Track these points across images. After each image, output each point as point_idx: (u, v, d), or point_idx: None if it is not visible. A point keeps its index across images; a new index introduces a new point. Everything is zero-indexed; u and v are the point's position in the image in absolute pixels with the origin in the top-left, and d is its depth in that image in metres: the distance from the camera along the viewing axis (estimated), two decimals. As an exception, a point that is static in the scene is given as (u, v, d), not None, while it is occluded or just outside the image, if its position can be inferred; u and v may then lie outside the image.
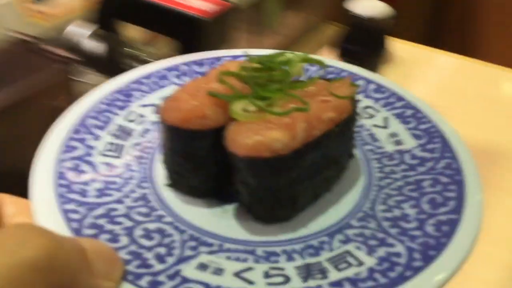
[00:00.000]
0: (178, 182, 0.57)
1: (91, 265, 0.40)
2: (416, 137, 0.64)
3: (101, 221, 0.51)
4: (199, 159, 0.54)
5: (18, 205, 0.51)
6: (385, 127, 0.66)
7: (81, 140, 0.61)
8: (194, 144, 0.54)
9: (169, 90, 0.71)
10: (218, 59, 0.77)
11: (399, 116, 0.67)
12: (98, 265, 0.41)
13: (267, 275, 0.47)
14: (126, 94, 0.69)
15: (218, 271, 0.47)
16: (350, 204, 0.55)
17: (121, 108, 0.67)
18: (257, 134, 0.49)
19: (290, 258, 0.49)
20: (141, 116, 0.67)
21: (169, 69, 0.74)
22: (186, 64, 0.76)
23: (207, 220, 0.53)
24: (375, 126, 0.67)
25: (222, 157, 0.52)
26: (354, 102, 0.57)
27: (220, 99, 0.53)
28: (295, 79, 0.59)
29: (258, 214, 0.53)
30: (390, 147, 0.63)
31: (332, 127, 0.53)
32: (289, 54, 0.58)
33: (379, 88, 0.72)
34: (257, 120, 0.50)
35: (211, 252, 0.49)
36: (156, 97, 0.70)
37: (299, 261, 0.49)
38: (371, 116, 0.68)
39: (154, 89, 0.71)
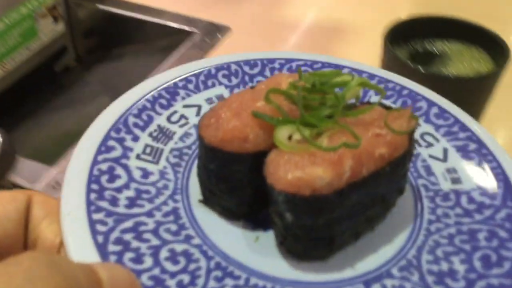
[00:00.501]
0: (211, 200, 0.54)
1: None
2: (477, 177, 0.58)
3: (128, 237, 0.49)
4: (235, 182, 0.51)
5: (47, 206, 0.50)
6: (443, 160, 0.60)
7: (120, 140, 0.59)
8: (231, 166, 0.50)
9: (216, 91, 0.68)
10: (271, 61, 0.72)
11: (460, 149, 0.61)
12: None
13: None
14: (171, 92, 0.66)
15: None
16: (394, 248, 0.51)
17: (164, 107, 0.64)
18: (298, 168, 0.45)
19: None
20: (184, 117, 0.64)
21: (218, 68, 0.71)
22: (237, 63, 0.72)
23: (237, 247, 0.50)
24: (432, 157, 0.61)
25: (260, 181, 0.49)
26: (411, 137, 0.52)
27: (265, 121, 0.49)
28: (350, 103, 0.54)
29: (291, 249, 0.50)
30: (446, 185, 0.58)
31: (383, 165, 0.48)
32: (347, 76, 0.53)
33: (442, 113, 0.65)
34: (300, 151, 0.46)
35: (236, 286, 0.47)
36: (201, 98, 0.67)
37: None
38: (429, 145, 0.62)
39: (201, 89, 0.68)
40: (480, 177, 0.57)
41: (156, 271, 0.46)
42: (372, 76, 0.70)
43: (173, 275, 0.46)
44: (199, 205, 0.54)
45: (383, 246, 0.51)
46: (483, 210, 0.54)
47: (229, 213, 0.53)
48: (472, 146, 0.61)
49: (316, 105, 0.50)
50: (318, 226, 0.48)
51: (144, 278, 0.46)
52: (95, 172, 0.54)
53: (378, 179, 0.49)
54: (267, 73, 0.71)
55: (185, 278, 0.46)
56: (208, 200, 0.54)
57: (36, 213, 0.49)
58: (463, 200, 0.56)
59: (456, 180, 0.58)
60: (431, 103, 0.67)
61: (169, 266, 0.47)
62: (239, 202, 0.52)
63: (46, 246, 0.48)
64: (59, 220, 0.49)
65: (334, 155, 0.46)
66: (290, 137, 0.48)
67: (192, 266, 0.48)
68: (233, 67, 0.71)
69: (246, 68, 0.71)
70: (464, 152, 0.61)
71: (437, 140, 0.63)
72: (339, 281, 0.48)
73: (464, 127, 0.63)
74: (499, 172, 0.57)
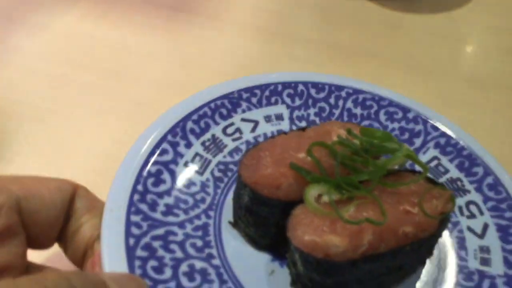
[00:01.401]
0: (239, 225, 0.57)
1: None
2: (508, 263, 0.57)
3: (156, 244, 0.54)
4: (262, 219, 0.54)
5: (90, 200, 0.55)
6: (480, 236, 0.60)
7: (174, 145, 0.63)
8: (261, 206, 0.53)
9: (276, 109, 0.70)
10: (338, 88, 0.73)
11: (502, 229, 0.60)
12: None
13: None
14: (233, 103, 0.69)
15: None
16: None
17: (224, 117, 0.67)
18: (316, 232, 0.47)
19: None
20: (239, 131, 0.67)
21: (285, 85, 0.72)
22: (304, 84, 0.73)
23: (252, 277, 0.54)
24: (470, 230, 0.60)
25: (285, 221, 0.51)
26: (444, 220, 0.52)
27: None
28: (392, 170, 0.54)
29: (300, 294, 0.52)
30: (473, 264, 0.57)
31: (405, 243, 0.49)
32: (396, 144, 0.53)
33: (496, 185, 0.64)
34: (324, 215, 0.48)
35: None
36: (261, 114, 0.69)
37: None
38: (472, 217, 0.61)
39: (263, 104, 0.70)
40: (511, 265, 0.56)
41: (172, 285, 0.51)
42: (435, 128, 0.69)
43: None
44: (228, 226, 0.58)
45: None
46: None
47: (253, 242, 0.56)
48: None
49: (357, 166, 0.51)
50: (326, 284, 0.50)
51: None
52: (144, 173, 0.59)
53: (397, 255, 0.50)
54: (332, 100, 0.72)
55: None
56: (237, 224, 0.57)
57: (79, 206, 0.54)
58: (485, 285, 0.55)
59: (485, 262, 0.57)
60: (488, 171, 0.65)
61: (185, 282, 0.52)
62: (262, 235, 0.55)
63: (85, 237, 0.53)
64: (101, 214, 0.54)
65: (355, 227, 0.47)
66: (321, 196, 0.50)
67: (205, 286, 0.52)
68: (300, 87, 0.72)
69: (312, 91, 0.72)
70: (504, 234, 0.59)
71: (481, 213, 0.61)
72: None
73: None
74: None
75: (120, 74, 0.90)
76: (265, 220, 0.53)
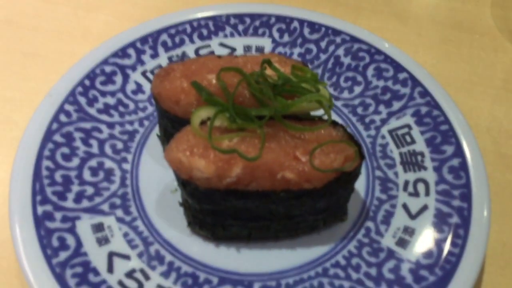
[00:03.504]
0: (160, 136, 0.58)
1: None
2: (427, 252, 0.50)
3: (77, 135, 0.56)
4: (168, 132, 0.54)
5: None
6: (413, 217, 0.53)
7: (140, 52, 0.64)
8: (163, 118, 0.53)
9: (261, 41, 0.67)
10: (336, 32, 0.67)
11: (440, 216, 0.53)
12: None
13: None
14: (217, 26, 0.67)
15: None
16: (291, 261, 0.51)
17: (202, 38, 0.66)
18: (185, 152, 0.45)
19: None
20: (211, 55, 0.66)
21: (279, 18, 0.68)
22: (299, 22, 0.68)
23: (153, 189, 0.55)
24: (404, 207, 0.54)
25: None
26: (342, 180, 0.47)
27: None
28: (302, 115, 0.50)
29: (188, 217, 0.52)
30: (388, 241, 0.52)
31: (281, 188, 0.46)
32: (315, 88, 0.48)
33: (459, 170, 0.55)
34: (203, 139, 0.46)
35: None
36: (241, 42, 0.67)
37: None
38: (414, 195, 0.55)
39: (248, 33, 0.68)
40: (428, 257, 0.49)
41: (72, 174, 0.54)
42: (422, 95, 0.61)
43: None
44: (156, 139, 0.58)
45: (290, 253, 0.51)
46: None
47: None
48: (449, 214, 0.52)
49: (265, 101, 0.48)
50: (203, 211, 0.49)
51: None
52: (97, 71, 0.61)
53: (271, 199, 0.46)
54: (323, 44, 0.67)
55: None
56: (160, 136, 0.58)
57: None
58: (388, 265, 0.49)
59: (401, 243, 0.51)
60: (458, 153, 0.56)
61: (86, 175, 0.54)
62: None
63: None
64: None
65: (226, 157, 0.45)
66: (203, 123, 0.48)
67: (103, 184, 0.54)
68: (294, 24, 0.68)
69: (306, 31, 0.68)
70: (440, 221, 0.52)
71: (427, 194, 0.54)
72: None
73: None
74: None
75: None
76: (171, 135, 0.53)
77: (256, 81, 0.47)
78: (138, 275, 0.48)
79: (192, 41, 0.66)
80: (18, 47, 0.73)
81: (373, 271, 0.49)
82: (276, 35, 0.67)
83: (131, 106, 0.60)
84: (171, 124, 0.52)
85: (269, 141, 0.46)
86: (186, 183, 0.46)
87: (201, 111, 0.47)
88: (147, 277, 0.48)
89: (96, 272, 0.47)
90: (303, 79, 0.48)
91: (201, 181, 0.45)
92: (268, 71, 0.50)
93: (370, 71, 0.64)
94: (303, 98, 0.47)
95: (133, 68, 0.63)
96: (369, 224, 0.53)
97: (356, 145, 0.47)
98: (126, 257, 0.49)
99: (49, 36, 0.75)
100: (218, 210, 0.48)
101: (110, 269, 0.47)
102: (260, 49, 0.66)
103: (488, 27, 0.81)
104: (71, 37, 0.75)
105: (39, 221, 0.49)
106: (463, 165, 0.55)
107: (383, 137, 0.59)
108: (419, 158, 0.57)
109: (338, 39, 0.66)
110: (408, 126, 0.59)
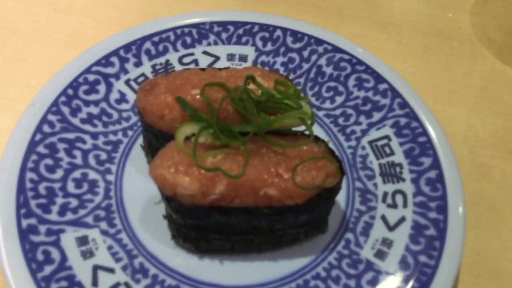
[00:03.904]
0: (144, 148, 0.58)
1: None
2: (403, 264, 0.52)
3: (61, 146, 0.57)
4: (153, 146, 0.54)
5: None
6: (391, 228, 0.55)
7: (123, 60, 0.64)
8: (147, 132, 0.53)
9: (244, 49, 0.68)
10: (319, 42, 0.68)
11: (417, 228, 0.54)
12: None
13: None
14: (201, 34, 0.68)
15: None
16: (275, 273, 0.52)
17: (186, 46, 0.67)
18: (169, 169, 0.46)
19: None
20: (195, 63, 0.66)
21: (263, 27, 0.69)
22: (282, 30, 0.69)
23: (136, 201, 0.55)
24: (383, 219, 0.55)
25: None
26: (323, 196, 0.48)
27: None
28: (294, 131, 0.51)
29: (172, 230, 0.53)
30: (366, 253, 0.53)
31: (264, 205, 0.47)
32: (298, 104, 0.49)
33: (436, 182, 0.57)
34: (187, 156, 0.46)
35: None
36: (224, 51, 0.67)
37: None
38: (392, 206, 0.56)
39: (231, 41, 0.68)
40: (405, 269, 0.51)
41: (56, 186, 0.54)
42: (402, 106, 0.63)
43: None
44: (139, 150, 0.59)
45: (272, 265, 0.52)
46: None
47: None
48: (426, 228, 0.53)
49: (248, 117, 0.49)
50: (187, 226, 0.49)
51: None
52: (80, 79, 0.61)
53: (254, 215, 0.48)
54: (306, 53, 0.67)
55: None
56: (144, 147, 0.58)
57: None
58: (366, 277, 0.51)
59: (380, 255, 0.52)
60: (435, 165, 0.58)
61: (70, 187, 0.54)
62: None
63: None
64: None
65: (209, 174, 0.45)
66: (187, 139, 0.48)
67: (87, 196, 0.54)
68: (277, 33, 0.69)
69: (289, 40, 0.68)
70: (417, 233, 0.54)
71: (405, 205, 0.56)
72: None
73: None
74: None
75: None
76: (156, 148, 0.53)
77: (240, 98, 0.48)
78: None
79: (175, 49, 0.66)
80: (-1, 51, 0.72)
81: (352, 283, 0.51)
82: (259, 43, 0.68)
83: (115, 115, 0.60)
84: (155, 138, 0.52)
85: (252, 157, 0.47)
86: (171, 199, 0.47)
87: (186, 127, 0.48)
88: None
89: (81, 286, 0.48)
90: (286, 95, 0.49)
91: (185, 197, 0.46)
92: (252, 85, 0.51)
93: (351, 82, 0.65)
94: (286, 115, 0.48)
95: (117, 76, 0.63)
96: (349, 235, 0.54)
97: (337, 161, 0.48)
98: (111, 270, 0.49)
99: (30, 40, 0.74)
100: (202, 225, 0.49)
101: (95, 283, 0.48)
102: (243, 58, 0.67)
103: (467, 34, 0.83)
104: (53, 41, 0.74)
105: (24, 234, 0.49)
106: (440, 177, 0.57)
107: (363, 148, 0.60)
108: (398, 169, 0.58)
109: (320, 49, 0.67)
110: (388, 137, 0.61)
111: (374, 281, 0.50)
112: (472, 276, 0.58)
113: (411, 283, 0.50)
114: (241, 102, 0.48)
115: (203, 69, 0.54)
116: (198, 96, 0.50)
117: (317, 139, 0.50)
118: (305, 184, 0.46)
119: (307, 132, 0.50)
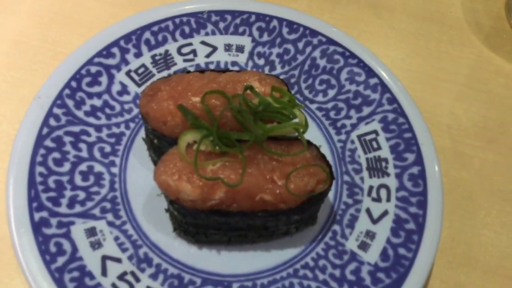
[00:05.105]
0: (146, 142, 0.61)
1: None
2: (384, 255, 0.57)
3: (67, 139, 0.60)
4: (156, 146, 0.57)
5: None
6: (374, 221, 0.59)
7: (124, 51, 0.66)
8: (151, 135, 0.56)
9: (241, 40, 0.69)
10: (314, 33, 0.70)
11: (398, 221, 0.59)
12: None
13: None
14: (199, 23, 0.69)
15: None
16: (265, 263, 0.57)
17: (184, 36, 0.68)
18: (172, 176, 0.50)
19: None
20: (194, 53, 0.68)
21: (259, 17, 0.71)
22: (279, 20, 0.71)
23: (140, 192, 0.59)
24: (367, 212, 0.60)
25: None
26: (314, 200, 0.52)
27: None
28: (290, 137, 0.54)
29: (174, 223, 0.57)
30: (351, 244, 0.58)
31: (259, 209, 0.51)
32: (293, 114, 0.52)
33: (418, 178, 0.61)
34: (188, 163, 0.50)
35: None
36: (222, 41, 0.69)
37: None
38: (376, 200, 0.61)
39: (228, 31, 0.70)
40: (385, 261, 0.56)
41: (64, 179, 0.57)
42: (390, 101, 0.66)
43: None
44: (140, 142, 0.62)
45: (265, 255, 0.57)
46: None
47: (153, 162, 0.60)
48: (407, 226, 0.58)
49: (247, 125, 0.52)
50: (187, 222, 0.54)
51: None
52: (83, 71, 0.63)
53: (249, 217, 0.52)
54: (301, 44, 0.69)
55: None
56: (145, 140, 0.61)
57: None
58: (350, 267, 0.56)
59: (363, 246, 0.57)
60: (418, 161, 0.62)
61: (78, 180, 0.58)
62: (156, 160, 0.58)
63: None
64: None
65: (209, 182, 0.49)
66: (189, 146, 0.52)
67: (94, 188, 0.58)
68: (273, 23, 0.70)
69: (285, 30, 0.70)
70: (398, 227, 0.59)
71: (388, 200, 0.60)
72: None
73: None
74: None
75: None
76: (159, 148, 0.57)
77: (238, 110, 0.51)
78: (129, 277, 0.53)
79: (174, 39, 0.68)
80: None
81: (337, 273, 0.56)
82: (256, 34, 0.70)
83: (117, 107, 0.63)
84: (158, 140, 0.55)
85: (249, 164, 0.51)
86: (174, 202, 0.51)
87: (187, 135, 0.51)
88: (137, 279, 0.53)
89: (92, 276, 0.52)
90: (282, 104, 0.52)
91: (187, 202, 0.50)
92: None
93: (343, 75, 0.68)
94: (282, 125, 0.51)
95: (118, 68, 0.65)
96: (336, 227, 0.59)
97: (327, 167, 0.52)
98: (118, 260, 0.54)
99: (30, 21, 0.75)
100: (201, 224, 0.53)
101: (104, 272, 0.53)
102: (240, 49, 0.69)
103: (457, 19, 0.85)
104: (53, 22, 0.75)
105: (37, 227, 0.53)
106: (422, 173, 0.61)
107: (353, 142, 0.64)
108: (383, 164, 0.62)
109: (315, 40, 0.69)
110: (376, 132, 0.64)
111: (357, 271, 0.56)
112: (446, 261, 0.63)
113: (391, 274, 0.55)
114: (239, 114, 0.51)
115: (202, 72, 0.57)
116: (198, 104, 0.53)
117: (309, 143, 0.54)
118: (298, 190, 0.50)
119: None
